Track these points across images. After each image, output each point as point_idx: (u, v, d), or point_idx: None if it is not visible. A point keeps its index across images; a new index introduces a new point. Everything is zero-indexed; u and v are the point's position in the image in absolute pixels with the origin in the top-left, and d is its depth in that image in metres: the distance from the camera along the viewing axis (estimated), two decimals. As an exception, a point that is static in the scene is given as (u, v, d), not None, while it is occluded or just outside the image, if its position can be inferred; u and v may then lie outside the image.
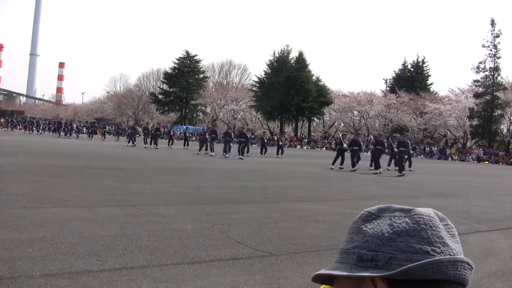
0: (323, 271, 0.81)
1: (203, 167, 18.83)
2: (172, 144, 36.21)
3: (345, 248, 0.81)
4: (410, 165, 23.87)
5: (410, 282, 0.74)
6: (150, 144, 33.53)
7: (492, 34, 53.82)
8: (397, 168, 21.36)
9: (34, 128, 56.55)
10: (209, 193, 10.55)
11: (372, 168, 21.80)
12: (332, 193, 12.67)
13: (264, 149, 30.49)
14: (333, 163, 22.15)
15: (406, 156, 22.35)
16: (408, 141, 25.14)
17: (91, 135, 46.85)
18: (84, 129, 54.49)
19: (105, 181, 11.68)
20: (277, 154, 30.64)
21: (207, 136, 29.75)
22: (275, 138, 42.63)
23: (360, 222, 0.82)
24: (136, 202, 8.67)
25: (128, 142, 34.98)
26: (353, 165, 21.72)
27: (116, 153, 24.73)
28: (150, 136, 34.37)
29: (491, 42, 53.68)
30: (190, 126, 70.33)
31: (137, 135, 35.92)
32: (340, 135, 25.50)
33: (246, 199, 10.17)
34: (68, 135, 46.83)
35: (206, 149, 29.02)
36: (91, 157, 20.95)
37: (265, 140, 31.85)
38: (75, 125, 51.73)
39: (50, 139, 38.83)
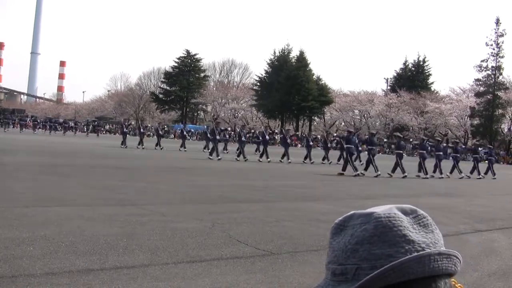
0: None
1: (205, 166, 18.82)
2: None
3: (325, 263, 0.80)
4: (492, 172, 22.44)
5: None
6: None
7: (496, 33, 53.84)
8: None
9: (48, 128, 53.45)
10: (210, 192, 10.55)
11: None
12: (334, 193, 12.67)
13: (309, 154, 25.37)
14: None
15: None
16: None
17: (98, 133, 52.40)
18: (85, 127, 55.82)
19: (106, 180, 11.69)
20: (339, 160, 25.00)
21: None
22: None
23: (330, 235, 0.81)
24: (138, 201, 8.68)
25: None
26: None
27: (117, 152, 24.73)
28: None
29: (495, 41, 53.72)
30: (190, 125, 70.24)
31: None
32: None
33: (247, 198, 10.17)
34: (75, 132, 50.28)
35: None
36: (93, 156, 20.96)
37: (310, 143, 26.18)
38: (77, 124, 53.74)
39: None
